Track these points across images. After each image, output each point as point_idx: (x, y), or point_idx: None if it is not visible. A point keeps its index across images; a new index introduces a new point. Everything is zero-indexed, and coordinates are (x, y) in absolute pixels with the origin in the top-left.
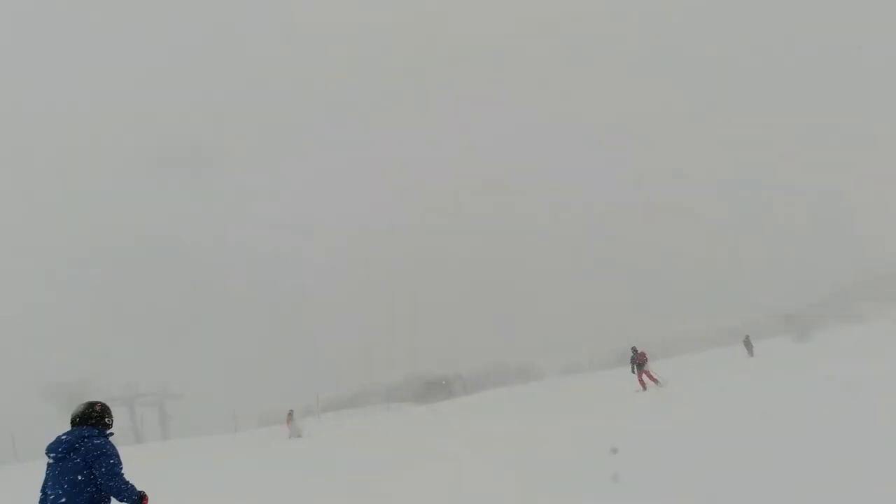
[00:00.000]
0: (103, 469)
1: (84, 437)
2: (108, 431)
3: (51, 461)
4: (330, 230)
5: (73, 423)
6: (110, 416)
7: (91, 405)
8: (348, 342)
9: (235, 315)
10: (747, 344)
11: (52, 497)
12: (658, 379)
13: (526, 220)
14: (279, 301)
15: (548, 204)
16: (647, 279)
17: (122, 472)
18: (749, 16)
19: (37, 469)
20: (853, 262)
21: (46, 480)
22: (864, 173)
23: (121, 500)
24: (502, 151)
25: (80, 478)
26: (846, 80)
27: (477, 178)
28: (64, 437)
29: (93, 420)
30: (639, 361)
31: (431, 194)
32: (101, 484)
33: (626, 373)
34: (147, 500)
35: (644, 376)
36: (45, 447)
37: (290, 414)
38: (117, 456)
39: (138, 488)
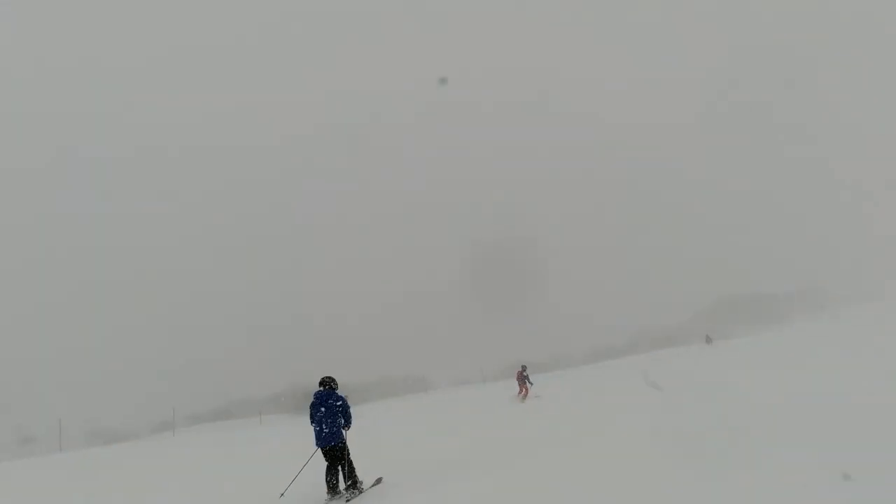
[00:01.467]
0: (349, 411)
1: (332, 393)
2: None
3: (317, 402)
4: (194, 225)
5: (320, 385)
6: (336, 383)
7: (326, 378)
8: (217, 350)
9: (79, 317)
10: (708, 340)
11: (325, 422)
12: (530, 393)
13: (423, 234)
14: (130, 300)
15: (442, 219)
16: (539, 298)
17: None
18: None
19: None
20: (715, 287)
21: (315, 415)
22: (725, 203)
23: (348, 426)
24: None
25: (335, 414)
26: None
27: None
28: (323, 392)
29: (326, 386)
30: (522, 375)
31: (316, 192)
32: (346, 416)
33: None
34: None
35: (524, 389)
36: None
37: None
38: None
39: None
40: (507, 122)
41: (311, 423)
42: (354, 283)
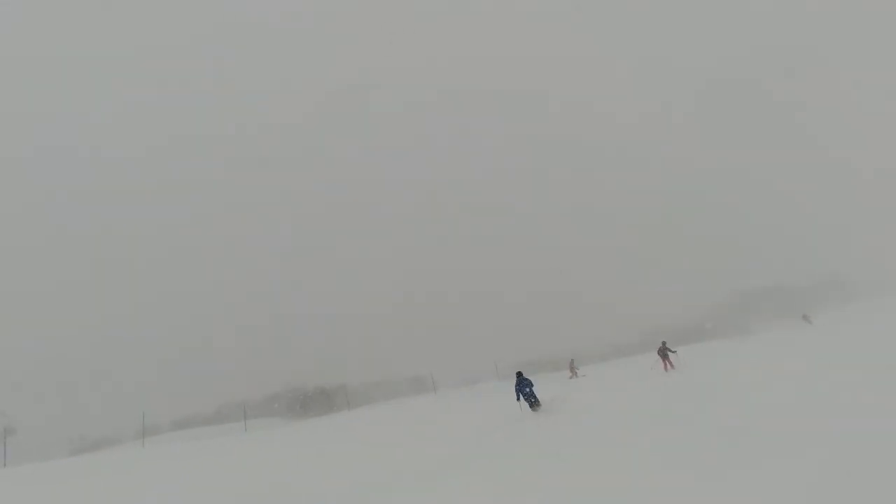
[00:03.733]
0: (534, 385)
1: (525, 376)
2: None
3: (520, 382)
4: (186, 221)
5: (518, 374)
6: (522, 374)
7: (520, 371)
8: (207, 351)
9: (59, 317)
10: (806, 319)
11: (529, 390)
12: (675, 365)
13: (426, 232)
14: (112, 298)
15: (452, 215)
16: (546, 296)
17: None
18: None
19: None
20: (732, 279)
21: (522, 387)
22: (748, 194)
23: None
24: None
25: (529, 388)
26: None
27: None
28: (521, 378)
29: (521, 374)
30: (663, 352)
31: (315, 193)
32: (532, 386)
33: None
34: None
35: (667, 363)
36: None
37: (572, 362)
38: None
39: None
40: (515, 115)
41: (517, 389)
42: (353, 282)
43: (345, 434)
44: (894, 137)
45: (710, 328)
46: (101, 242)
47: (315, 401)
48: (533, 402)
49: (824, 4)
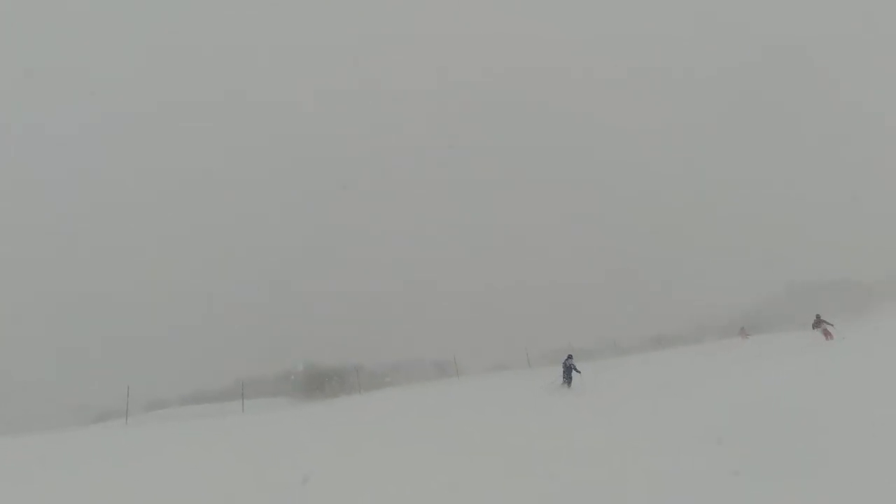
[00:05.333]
0: (576, 365)
1: (571, 359)
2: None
3: (567, 362)
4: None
5: (568, 357)
6: (572, 357)
7: (570, 354)
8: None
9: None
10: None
11: (571, 369)
12: (834, 336)
13: (459, 205)
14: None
15: (490, 192)
16: (585, 283)
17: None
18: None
19: None
20: (781, 272)
21: (568, 366)
22: (795, 182)
23: (578, 372)
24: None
25: (571, 369)
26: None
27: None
28: (569, 360)
29: (570, 357)
30: (821, 321)
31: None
32: (576, 368)
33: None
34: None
35: (824, 334)
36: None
37: (743, 329)
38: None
39: None
40: (546, 94)
41: (563, 366)
42: (375, 260)
43: (341, 419)
44: None
45: (761, 322)
46: (116, 215)
47: (326, 381)
48: (569, 379)
49: None
